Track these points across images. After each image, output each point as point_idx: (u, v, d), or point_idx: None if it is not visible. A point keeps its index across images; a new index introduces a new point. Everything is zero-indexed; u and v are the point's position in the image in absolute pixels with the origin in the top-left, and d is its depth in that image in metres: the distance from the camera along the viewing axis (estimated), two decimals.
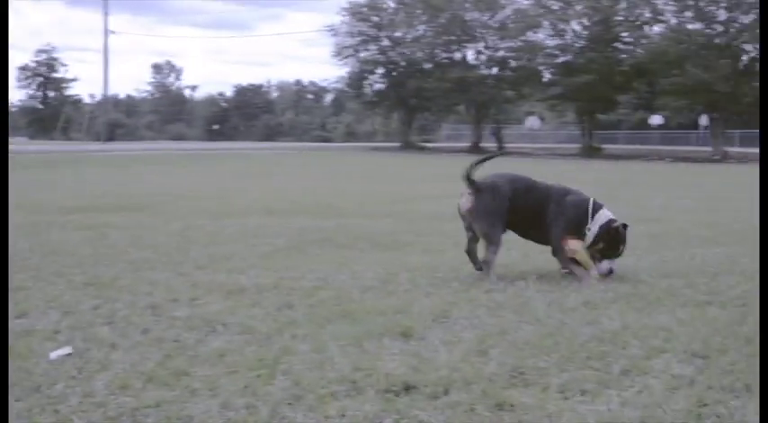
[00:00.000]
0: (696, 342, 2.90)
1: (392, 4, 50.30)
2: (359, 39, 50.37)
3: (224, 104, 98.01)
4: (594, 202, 4.30)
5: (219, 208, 8.41)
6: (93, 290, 3.84)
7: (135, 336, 2.97)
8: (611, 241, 4.18)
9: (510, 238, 4.53)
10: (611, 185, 14.25)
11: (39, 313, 3.33)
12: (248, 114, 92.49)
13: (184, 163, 24.19)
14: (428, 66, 49.41)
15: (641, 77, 43.75)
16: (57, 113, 78.83)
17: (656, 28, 42.96)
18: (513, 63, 47.92)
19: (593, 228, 4.21)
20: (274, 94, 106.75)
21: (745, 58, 39.64)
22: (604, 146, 47.69)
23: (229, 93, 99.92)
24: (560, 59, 45.65)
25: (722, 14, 39.07)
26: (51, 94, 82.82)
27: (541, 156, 39.84)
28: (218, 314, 3.31)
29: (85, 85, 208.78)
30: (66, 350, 2.75)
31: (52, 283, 3.99)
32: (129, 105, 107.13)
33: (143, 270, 4.43)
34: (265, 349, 2.79)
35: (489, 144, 49.66)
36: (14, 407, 2.20)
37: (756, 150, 41.70)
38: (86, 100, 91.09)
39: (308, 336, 2.97)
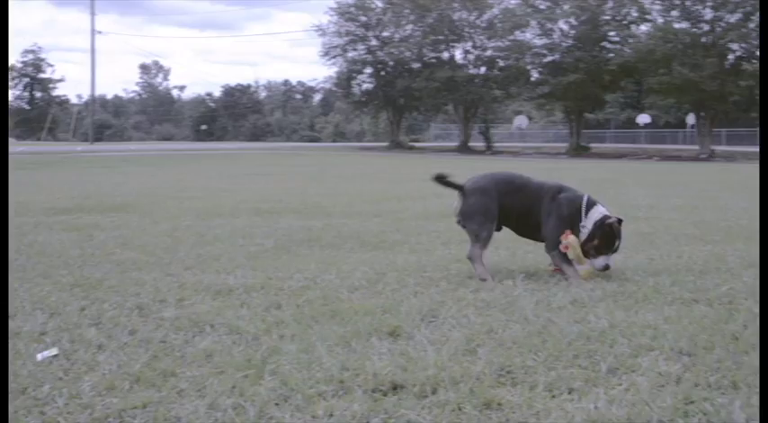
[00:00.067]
0: (683, 340, 2.91)
1: (380, 4, 50.34)
2: (347, 38, 50.39)
3: (212, 105, 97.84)
4: (589, 199, 4.32)
5: (207, 208, 8.38)
6: (80, 291, 3.82)
7: (122, 337, 2.96)
8: (606, 237, 4.19)
9: (497, 237, 4.55)
10: (598, 184, 14.31)
11: (25, 315, 3.31)
12: (236, 114, 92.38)
13: (172, 163, 24.13)
14: (416, 65, 49.50)
15: (628, 76, 44.06)
16: (44, 114, 78.48)
17: (643, 27, 43.26)
18: (500, 62, 48.09)
19: (587, 225, 4.23)
20: (262, 94, 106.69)
21: (731, 56, 39.95)
22: (592, 144, 47.98)
23: (217, 93, 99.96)
24: (548, 59, 45.84)
25: (708, 13, 39.35)
26: (38, 94, 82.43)
27: (530, 155, 40.03)
28: (206, 315, 3.30)
29: (73, 86, 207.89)
30: (53, 351, 2.74)
31: (39, 285, 3.97)
32: (116, 106, 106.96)
33: (130, 271, 4.42)
34: (253, 349, 2.78)
35: (477, 143, 49.80)
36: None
37: (743, 149, 42.13)
38: (74, 100, 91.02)
39: (296, 336, 2.96)
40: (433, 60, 49.31)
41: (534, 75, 47.72)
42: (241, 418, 2.17)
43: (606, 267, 4.20)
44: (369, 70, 52.25)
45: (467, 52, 49.59)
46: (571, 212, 4.27)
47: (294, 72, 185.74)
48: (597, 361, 2.67)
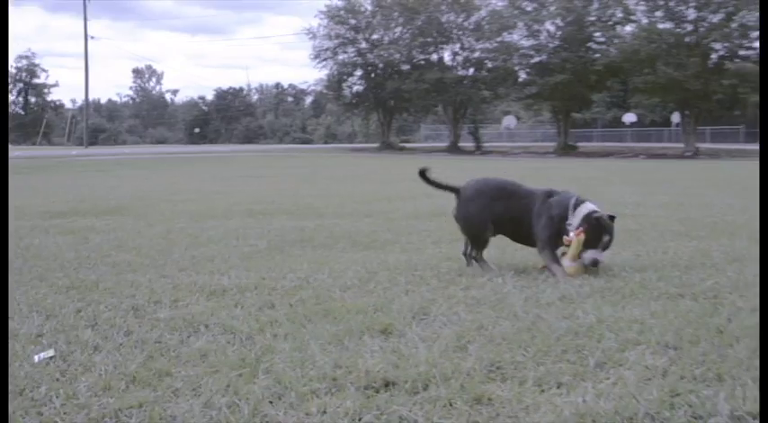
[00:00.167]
0: (669, 334, 2.95)
1: (369, 7, 50.36)
2: (337, 41, 50.39)
3: (205, 108, 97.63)
4: (577, 199, 4.39)
5: (201, 210, 8.39)
6: (76, 293, 3.84)
7: (118, 338, 2.98)
8: (593, 230, 4.23)
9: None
10: (586, 182, 14.38)
11: (22, 317, 3.32)
12: (229, 117, 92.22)
13: (166, 166, 24.07)
14: (406, 67, 49.56)
15: (614, 76, 44.25)
16: (38, 119, 78.22)
17: (628, 28, 43.49)
18: (488, 64, 48.23)
19: (573, 221, 4.28)
20: (254, 97, 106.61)
21: (714, 56, 40.26)
22: (580, 144, 48.19)
23: (210, 96, 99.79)
24: (535, 59, 45.98)
25: (692, 14, 39.64)
26: (33, 99, 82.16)
27: (518, 154, 40.13)
28: (201, 315, 3.32)
29: (67, 91, 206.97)
30: (50, 353, 2.76)
31: (35, 287, 3.99)
32: (110, 110, 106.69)
33: (125, 273, 4.44)
34: (247, 349, 2.81)
35: (467, 143, 49.89)
36: None
37: (727, 146, 42.45)
38: (68, 105, 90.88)
39: (289, 335, 2.99)
40: (422, 62, 49.40)
41: (522, 75, 47.86)
42: (235, 417, 2.18)
43: (595, 263, 4.23)
44: (359, 72, 52.28)
45: (455, 54, 49.71)
46: (560, 212, 4.34)
47: (285, 75, 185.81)
48: (585, 356, 2.70)
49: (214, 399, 2.30)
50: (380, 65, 50.31)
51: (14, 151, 37.25)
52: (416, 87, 46.26)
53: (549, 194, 4.49)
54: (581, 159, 33.67)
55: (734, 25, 38.47)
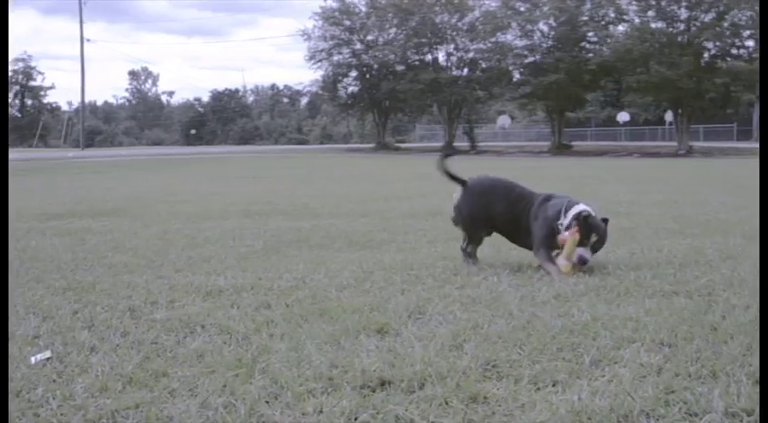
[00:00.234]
0: (663, 331, 2.96)
1: (364, 8, 50.36)
2: (332, 43, 50.41)
3: (201, 109, 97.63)
4: (570, 201, 4.43)
5: (197, 211, 8.38)
6: (73, 294, 3.84)
7: (114, 339, 2.98)
8: (580, 229, 4.25)
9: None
10: (580, 181, 14.42)
11: (19, 318, 3.31)
12: (225, 119, 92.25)
13: (162, 168, 24.04)
14: (400, 68, 49.60)
15: (608, 76, 44.41)
16: (35, 121, 78.13)
17: (621, 27, 43.74)
18: (483, 64, 48.32)
19: (564, 221, 4.31)
20: (250, 99, 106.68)
21: (706, 55, 40.46)
22: (574, 143, 48.23)
23: (206, 98, 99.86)
24: (529, 59, 46.09)
25: (683, 13, 39.85)
26: (29, 102, 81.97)
27: (513, 153, 40.19)
28: (197, 315, 3.32)
29: (63, 93, 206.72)
30: (46, 354, 2.75)
31: (32, 289, 3.98)
32: (106, 112, 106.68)
33: (122, 274, 4.43)
34: (243, 349, 2.81)
35: (462, 143, 49.94)
36: None
37: (720, 144, 42.63)
38: (64, 107, 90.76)
39: (286, 335, 2.99)
40: (417, 63, 49.45)
41: (516, 75, 47.97)
42: (232, 417, 2.18)
43: (582, 261, 4.23)
44: (354, 73, 52.29)
45: (449, 54, 49.77)
46: (555, 213, 4.38)
47: (281, 76, 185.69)
48: (580, 354, 2.70)
49: (211, 399, 2.30)
50: (375, 66, 50.34)
51: (11, 153, 37.08)
52: (411, 88, 46.29)
53: (548, 198, 4.55)
54: (575, 158, 33.72)
55: (725, 24, 38.67)
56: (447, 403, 2.27)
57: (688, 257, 4.81)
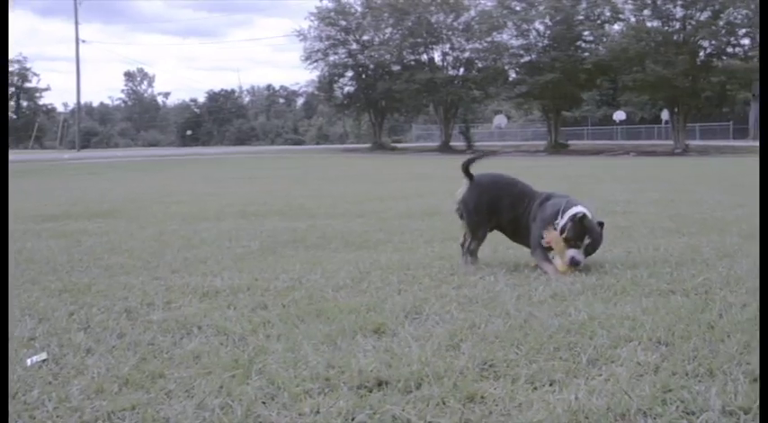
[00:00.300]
0: (660, 330, 2.96)
1: (359, 9, 50.38)
2: (328, 43, 50.42)
3: (197, 110, 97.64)
4: (569, 201, 4.43)
5: (193, 212, 8.37)
6: (69, 296, 3.83)
7: (110, 340, 2.97)
8: (574, 230, 4.24)
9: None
10: (576, 180, 14.44)
11: (14, 320, 3.30)
12: (221, 119, 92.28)
13: (158, 169, 24.03)
14: (396, 68, 49.64)
15: (604, 75, 44.53)
16: (30, 123, 78.06)
17: (617, 26, 43.88)
18: (479, 63, 48.38)
19: (560, 222, 4.31)
20: (246, 99, 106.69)
21: (702, 53, 40.57)
22: (570, 142, 48.35)
23: (202, 99, 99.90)
24: (525, 59, 46.18)
25: (679, 12, 39.97)
26: (24, 103, 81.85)
27: (509, 153, 40.16)
28: (193, 316, 3.31)
29: (58, 94, 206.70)
30: (42, 356, 2.75)
31: (28, 291, 3.97)
32: (102, 113, 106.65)
33: (118, 275, 4.42)
34: (240, 350, 2.80)
35: (458, 143, 49.98)
36: None
37: (716, 143, 42.72)
38: (60, 109, 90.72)
39: (282, 335, 2.99)
40: (413, 63, 49.48)
41: (512, 75, 48.06)
42: (228, 418, 2.18)
43: (574, 262, 4.21)
44: (350, 73, 52.33)
45: (445, 54, 49.80)
46: (552, 214, 4.38)
47: (277, 77, 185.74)
48: (577, 353, 2.70)
49: (207, 400, 2.30)
50: (371, 66, 50.36)
51: None
52: (407, 88, 46.32)
53: (548, 198, 4.55)
54: (571, 157, 33.77)
55: (721, 23, 38.78)
56: (444, 403, 2.27)
57: (684, 256, 4.81)
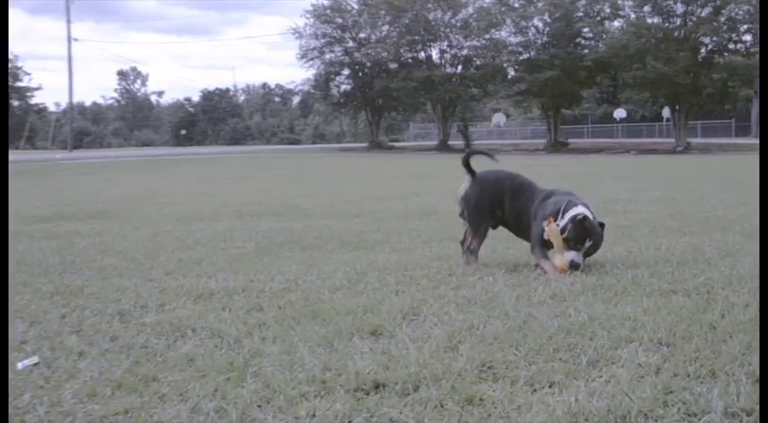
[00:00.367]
0: (661, 330, 2.93)
1: (355, 6, 50.39)
2: (324, 41, 50.42)
3: (191, 109, 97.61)
4: (570, 201, 4.39)
5: (188, 213, 8.34)
6: (61, 298, 3.80)
7: (103, 343, 2.94)
8: (575, 231, 4.22)
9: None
10: (577, 179, 14.43)
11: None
12: (216, 119, 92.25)
13: (152, 169, 24.03)
14: (393, 66, 49.63)
15: (604, 72, 44.57)
16: (22, 123, 77.92)
17: (616, 23, 43.89)
18: (477, 61, 48.38)
19: (561, 223, 4.28)
20: (241, 98, 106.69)
21: (703, 50, 40.58)
22: (570, 140, 48.37)
23: (196, 98, 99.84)
24: (524, 56, 46.22)
25: (680, 8, 40.01)
26: (15, 103, 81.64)
27: (508, 152, 40.19)
28: (188, 319, 3.28)
29: (50, 94, 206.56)
30: (34, 360, 2.72)
31: (19, 293, 3.93)
32: (95, 113, 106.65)
33: (111, 277, 4.39)
34: (235, 352, 2.77)
35: (456, 141, 49.98)
36: None
37: (718, 140, 42.76)
38: (52, 108, 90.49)
39: (278, 337, 2.96)
40: (410, 60, 49.48)
41: (511, 72, 48.10)
42: (223, 421, 2.16)
43: (574, 265, 4.19)
44: (346, 72, 52.32)
45: (443, 52, 49.79)
46: (553, 212, 4.35)
47: (272, 75, 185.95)
48: (577, 354, 2.68)
49: (201, 403, 2.27)
50: (368, 64, 50.36)
51: None
52: (404, 86, 46.32)
53: (549, 195, 4.52)
54: (572, 156, 33.81)
55: (722, 19, 38.81)
56: (442, 406, 2.24)
57: (686, 255, 4.79)
